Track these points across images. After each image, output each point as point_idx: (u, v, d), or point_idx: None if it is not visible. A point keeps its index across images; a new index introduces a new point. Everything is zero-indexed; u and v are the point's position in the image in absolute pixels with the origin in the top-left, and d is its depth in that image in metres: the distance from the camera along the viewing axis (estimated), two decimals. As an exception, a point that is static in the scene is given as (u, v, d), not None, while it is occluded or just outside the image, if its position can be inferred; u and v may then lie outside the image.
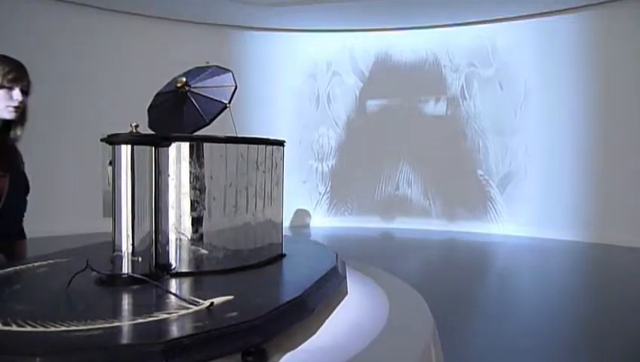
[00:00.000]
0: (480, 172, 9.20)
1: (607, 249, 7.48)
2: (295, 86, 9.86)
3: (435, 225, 9.25)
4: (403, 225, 9.40)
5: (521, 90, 8.89)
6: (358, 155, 9.80)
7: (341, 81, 9.85)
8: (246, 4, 8.33)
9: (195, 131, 1.74)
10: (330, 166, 9.88)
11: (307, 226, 9.50)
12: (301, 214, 9.70)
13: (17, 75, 1.94)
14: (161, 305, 1.17)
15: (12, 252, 2.07)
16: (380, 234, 8.94)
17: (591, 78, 8.20)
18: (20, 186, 2.11)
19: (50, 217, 6.71)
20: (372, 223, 9.51)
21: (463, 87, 9.36)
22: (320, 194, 9.87)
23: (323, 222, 9.78)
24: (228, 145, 1.57)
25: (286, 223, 9.12)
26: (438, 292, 4.79)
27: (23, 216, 2.19)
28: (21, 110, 1.99)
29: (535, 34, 8.72)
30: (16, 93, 1.94)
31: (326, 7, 8.39)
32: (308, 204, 9.80)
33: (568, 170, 8.40)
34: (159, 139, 1.48)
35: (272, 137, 1.77)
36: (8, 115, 1.95)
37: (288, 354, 1.13)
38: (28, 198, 2.21)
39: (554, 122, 8.58)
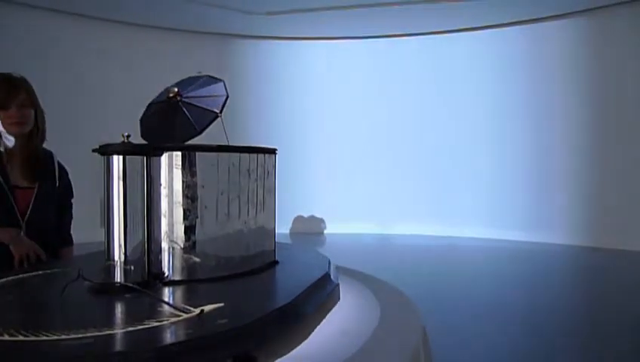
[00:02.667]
0: (473, 177, 9.24)
1: (599, 252, 7.52)
2: (292, 93, 9.89)
3: (433, 231, 9.26)
4: (402, 231, 9.41)
5: (514, 95, 8.95)
6: (356, 161, 9.82)
7: (338, 87, 9.89)
8: (244, 12, 8.37)
9: (187, 140, 1.76)
10: (327, 172, 9.89)
11: (304, 233, 9.51)
12: (299, 221, 9.72)
13: (6, 96, 2.00)
14: (152, 313, 1.18)
15: (57, 258, 2.15)
16: (375, 241, 8.96)
17: (583, 81, 8.28)
18: (51, 197, 2.17)
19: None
20: (368, 229, 9.52)
21: (457, 92, 9.41)
22: (318, 200, 9.88)
23: (321, 228, 9.79)
24: (219, 154, 1.59)
25: (284, 230, 9.19)
26: (431, 298, 4.81)
27: (69, 223, 2.32)
28: (26, 122, 2.06)
29: (527, 39, 8.80)
30: (13, 111, 2.01)
31: (324, 15, 8.46)
32: (306, 210, 9.81)
33: (562, 174, 8.45)
34: (151, 149, 1.50)
35: (268, 145, 1.79)
36: (15, 129, 2.03)
37: (279, 360, 1.14)
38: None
39: (547, 126, 8.64)
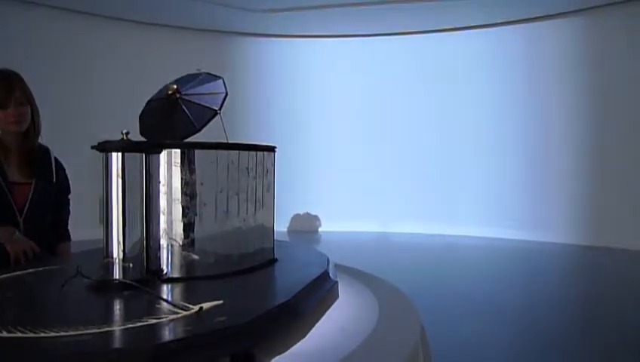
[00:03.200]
0: (471, 175, 9.24)
1: (597, 251, 7.54)
2: (292, 91, 9.88)
3: (432, 229, 9.26)
4: (401, 229, 9.41)
5: (511, 94, 8.96)
6: (355, 160, 9.82)
7: (338, 86, 9.88)
8: (244, 10, 8.35)
9: (186, 138, 1.75)
10: (327, 170, 9.89)
11: (303, 231, 9.51)
12: (300, 219, 9.72)
13: (5, 95, 1.99)
14: (151, 310, 1.18)
15: (54, 254, 2.15)
16: (374, 239, 8.97)
17: (580, 80, 8.29)
18: (48, 193, 2.16)
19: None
20: (367, 228, 9.52)
21: (456, 91, 9.41)
22: (317, 198, 9.87)
23: (320, 226, 9.80)
24: (218, 151, 1.59)
25: (282, 228, 9.20)
26: (430, 296, 4.82)
27: (67, 219, 2.31)
28: (25, 119, 2.06)
29: (524, 39, 8.81)
30: (11, 110, 2.01)
31: (324, 13, 8.44)
32: (305, 208, 9.81)
33: (560, 173, 8.46)
34: (150, 146, 1.49)
35: (267, 143, 1.79)
36: (14, 128, 2.03)
37: (278, 358, 1.14)
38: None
39: (545, 125, 8.66)
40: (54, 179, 2.21)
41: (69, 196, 2.35)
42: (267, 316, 1.17)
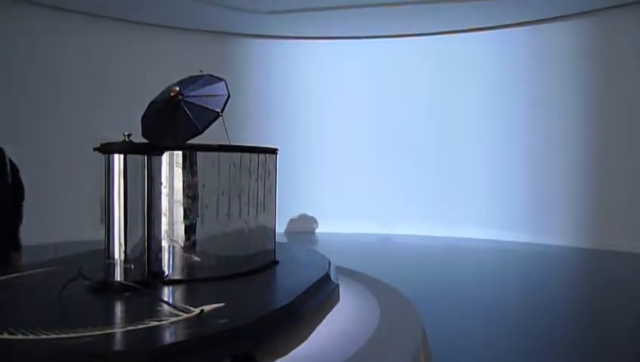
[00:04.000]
0: (473, 177, 9.23)
1: (598, 254, 7.52)
2: (294, 92, 9.88)
3: (433, 231, 9.24)
4: (401, 231, 9.39)
5: (514, 96, 8.94)
6: (356, 161, 9.81)
7: (338, 87, 9.88)
8: (246, 11, 8.36)
9: (189, 140, 1.75)
10: (328, 172, 9.88)
11: (303, 233, 9.50)
12: (298, 220, 9.71)
13: None
14: (152, 312, 1.18)
15: (6, 263, 2.04)
16: (375, 241, 8.95)
17: (585, 82, 8.27)
18: (4, 195, 2.04)
19: (46, 225, 6.68)
20: (368, 229, 9.51)
21: (458, 93, 9.40)
22: (318, 200, 9.87)
23: (320, 228, 9.78)
24: (220, 153, 1.59)
25: (282, 229, 9.19)
26: (430, 299, 4.80)
27: (18, 226, 2.13)
28: None
29: (528, 41, 8.80)
30: None
31: (325, 14, 8.43)
32: (306, 210, 9.80)
33: (562, 175, 8.45)
34: (152, 148, 1.50)
35: (269, 145, 1.79)
36: None
37: (279, 360, 1.14)
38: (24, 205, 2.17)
39: (548, 127, 8.64)
40: (9, 182, 2.08)
41: (23, 203, 2.18)
42: (268, 319, 1.17)
